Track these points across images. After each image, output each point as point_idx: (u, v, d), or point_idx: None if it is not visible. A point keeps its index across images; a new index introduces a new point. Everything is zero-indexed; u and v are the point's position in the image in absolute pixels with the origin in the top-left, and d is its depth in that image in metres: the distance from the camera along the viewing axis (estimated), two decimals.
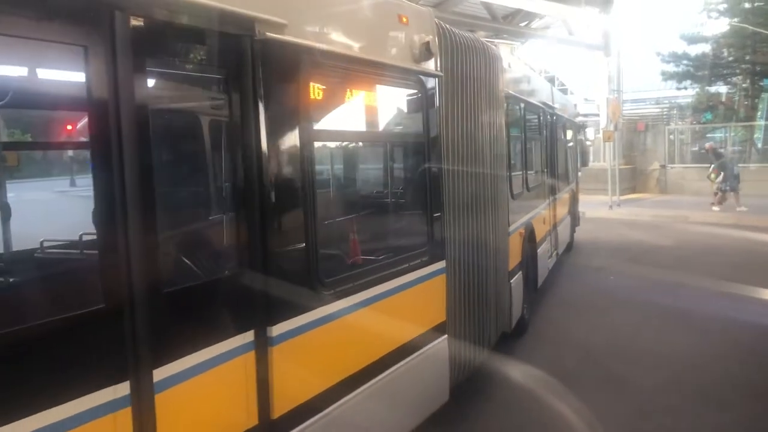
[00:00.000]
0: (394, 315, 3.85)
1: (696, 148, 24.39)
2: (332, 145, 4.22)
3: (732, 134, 23.77)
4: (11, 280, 2.91)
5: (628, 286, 9.51)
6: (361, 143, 4.59)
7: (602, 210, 18.80)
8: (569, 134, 12.16)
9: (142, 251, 2.20)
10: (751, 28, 23.15)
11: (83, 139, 3.07)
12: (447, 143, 4.70)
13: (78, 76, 2.25)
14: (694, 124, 26.21)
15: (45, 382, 1.92)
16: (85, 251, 2.86)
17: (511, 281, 6.34)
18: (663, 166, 23.21)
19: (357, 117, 3.96)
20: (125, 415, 2.14)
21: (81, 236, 3.47)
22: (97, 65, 2.07)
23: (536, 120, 8.91)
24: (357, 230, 4.05)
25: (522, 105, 7.58)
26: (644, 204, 19.83)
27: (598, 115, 26.01)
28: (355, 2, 3.65)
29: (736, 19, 24.69)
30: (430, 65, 4.28)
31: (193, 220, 3.03)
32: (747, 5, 25.32)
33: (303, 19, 3.06)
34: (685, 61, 27.15)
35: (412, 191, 4.67)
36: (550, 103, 9.93)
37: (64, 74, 2.83)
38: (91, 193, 2.12)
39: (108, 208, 2.14)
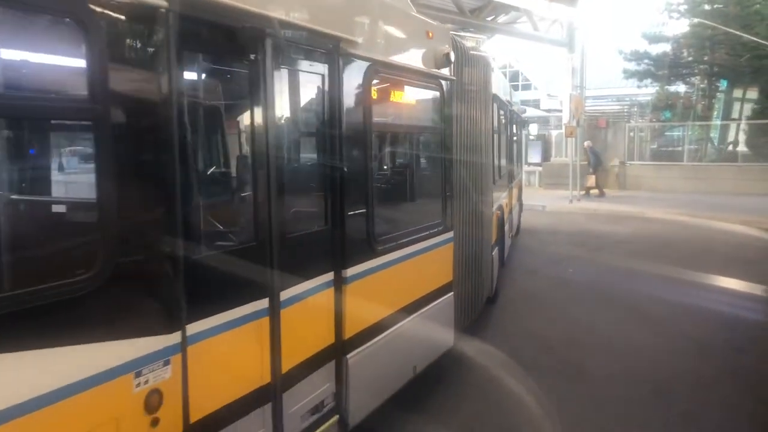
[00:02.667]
0: (419, 271, 5.10)
1: (655, 146, 24.93)
2: (380, 133, 5.20)
3: (689, 132, 24.33)
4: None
5: (585, 274, 10.08)
6: (399, 132, 5.67)
7: (563, 203, 19.15)
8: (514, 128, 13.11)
9: (280, 208, 3.32)
10: (710, 30, 23.75)
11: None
12: (456, 135, 5.91)
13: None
14: (654, 122, 26.78)
15: (235, 290, 3.10)
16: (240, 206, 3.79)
17: (493, 253, 7.62)
18: (623, 163, 23.74)
19: (398, 112, 5.11)
20: (265, 322, 3.26)
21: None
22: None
23: (503, 116, 10.10)
24: (394, 204, 5.13)
25: (497, 103, 8.75)
26: (604, 199, 20.28)
27: (560, 110, 26.31)
28: (398, 23, 4.85)
29: (695, 20, 25.22)
30: (447, 71, 5.52)
31: (305, 191, 4.04)
32: (707, 7, 25.96)
33: (368, 37, 4.23)
34: (646, 60, 27.96)
35: (431, 174, 5.80)
36: (510, 100, 11.30)
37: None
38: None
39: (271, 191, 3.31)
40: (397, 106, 5.04)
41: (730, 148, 25.32)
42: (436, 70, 5.31)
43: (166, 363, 2.63)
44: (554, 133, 27.08)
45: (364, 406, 4.21)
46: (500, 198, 8.82)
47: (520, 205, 14.55)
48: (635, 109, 30.22)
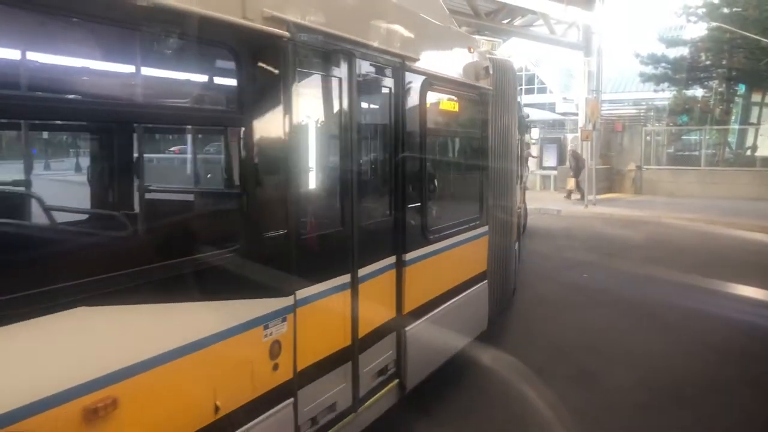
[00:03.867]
0: (461, 259, 5.87)
1: (672, 150, 24.76)
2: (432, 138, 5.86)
3: (707, 137, 24.13)
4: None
5: (600, 280, 10.13)
6: (447, 137, 6.34)
7: (578, 208, 19.09)
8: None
9: (359, 202, 4.09)
10: (728, 33, 23.56)
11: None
12: (491, 140, 6.64)
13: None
14: (671, 126, 26.56)
15: (328, 266, 3.86)
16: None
17: (515, 249, 8.21)
18: (639, 167, 23.78)
19: (446, 118, 5.83)
20: (347, 294, 4.03)
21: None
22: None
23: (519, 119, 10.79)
24: (441, 200, 5.65)
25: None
26: (619, 203, 20.33)
27: (576, 114, 26.19)
28: (446, 41, 5.71)
29: (714, 24, 25.01)
30: (486, 83, 6.29)
31: (376, 188, 4.75)
32: (725, 10, 25.67)
33: (424, 54, 4.93)
34: (663, 64, 27.75)
35: (470, 174, 6.48)
36: (520, 103, 11.85)
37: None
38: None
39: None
40: (446, 114, 5.79)
41: (749, 152, 25.08)
42: (477, 82, 6.11)
43: (284, 320, 3.37)
44: (570, 136, 26.92)
45: (418, 374, 4.98)
46: (518, 199, 9.50)
47: (525, 207, 15.00)
48: (652, 113, 29.99)
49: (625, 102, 38.75)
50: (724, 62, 27.19)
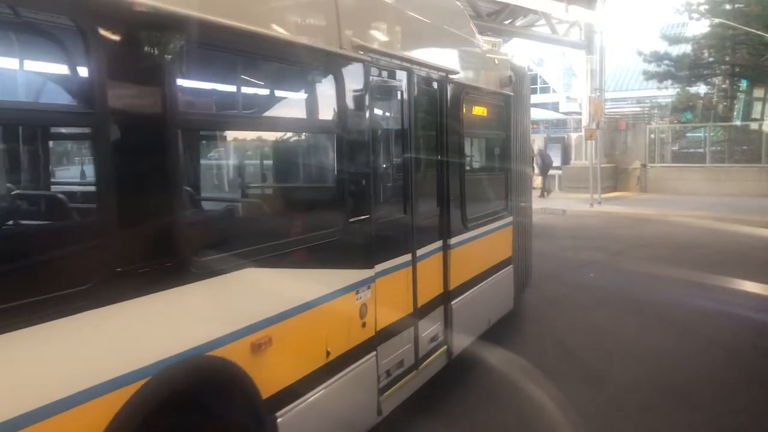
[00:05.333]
0: (492, 245, 6.79)
1: (676, 148, 24.71)
2: (469, 140, 6.65)
3: (711, 134, 24.00)
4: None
5: (607, 279, 10.23)
6: (480, 138, 7.12)
7: (584, 207, 19.01)
8: None
9: (416, 194, 5.03)
10: (731, 30, 23.48)
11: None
12: (513, 140, 7.54)
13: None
14: (675, 123, 26.46)
15: (396, 246, 4.75)
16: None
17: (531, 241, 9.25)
18: (644, 165, 23.76)
19: (480, 122, 6.75)
20: (409, 270, 4.91)
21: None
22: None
23: None
24: (475, 193, 6.38)
25: None
26: (625, 202, 20.33)
27: (580, 113, 26.09)
28: (477, 55, 6.69)
29: (716, 21, 24.92)
30: (509, 89, 7.25)
31: (427, 182, 5.54)
32: (728, 6, 25.61)
33: (461, 68, 5.93)
34: (666, 61, 27.77)
35: (497, 170, 7.34)
36: None
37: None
38: None
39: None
40: (479, 118, 6.70)
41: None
42: (501, 89, 7.12)
43: (368, 287, 4.26)
44: (574, 136, 26.88)
45: (461, 342, 5.88)
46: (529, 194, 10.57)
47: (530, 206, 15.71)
48: (655, 111, 29.86)
49: (628, 100, 38.68)
50: (727, 59, 27.18)
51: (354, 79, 4.12)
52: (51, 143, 3.57)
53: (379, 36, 4.53)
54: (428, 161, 5.52)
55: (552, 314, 8.30)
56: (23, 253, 2.57)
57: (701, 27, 28.82)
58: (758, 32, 22.64)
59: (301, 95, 4.27)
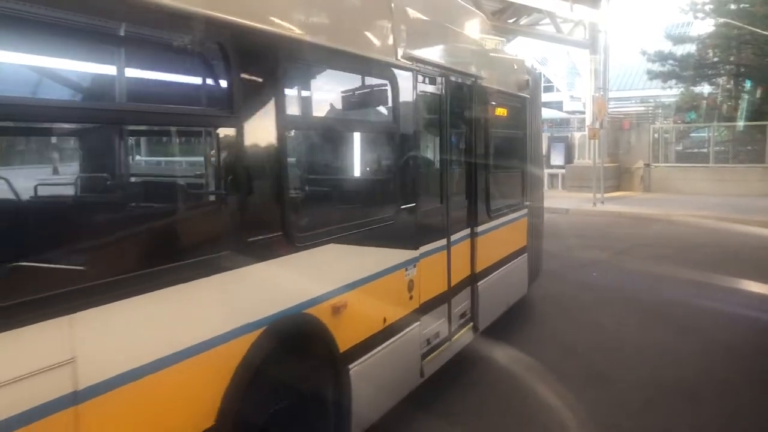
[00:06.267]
0: (510, 234, 7.56)
1: (680, 148, 24.70)
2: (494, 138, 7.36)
3: (715, 134, 23.93)
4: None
5: (610, 278, 10.34)
6: (503, 137, 7.64)
7: (587, 206, 19.02)
8: None
9: (450, 186, 5.85)
10: (735, 29, 23.44)
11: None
12: (528, 139, 8.34)
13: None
14: (679, 123, 26.39)
15: (434, 231, 5.51)
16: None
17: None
18: (647, 165, 23.82)
19: (502, 121, 7.40)
20: (444, 253, 5.65)
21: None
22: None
23: None
24: (497, 187, 7.00)
25: None
26: (628, 202, 20.41)
27: (584, 112, 26.04)
28: (499, 60, 7.48)
29: (721, 20, 24.83)
30: (526, 92, 8.09)
31: (458, 177, 6.25)
32: (732, 6, 25.60)
33: (487, 73, 6.65)
34: (670, 61, 27.71)
35: (516, 167, 8.04)
36: None
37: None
38: None
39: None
40: (501, 118, 7.35)
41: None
42: (520, 92, 7.91)
43: (414, 266, 5.01)
44: (577, 135, 26.84)
45: (485, 320, 6.63)
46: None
47: None
48: (660, 111, 29.79)
49: (632, 99, 38.59)
50: (731, 59, 27.18)
51: (405, 85, 4.87)
52: (199, 140, 4.18)
53: (423, 47, 5.32)
54: (459, 157, 6.34)
55: (555, 313, 8.43)
56: (184, 229, 3.27)
57: (706, 27, 28.78)
58: (763, 32, 22.70)
59: (368, 100, 4.92)
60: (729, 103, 27.66)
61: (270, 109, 3.37)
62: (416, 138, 5.09)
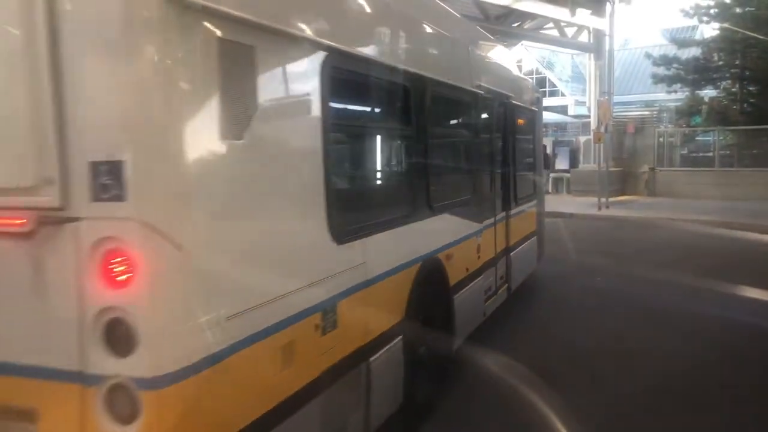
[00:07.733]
0: (527, 218, 9.24)
1: (685, 152, 24.54)
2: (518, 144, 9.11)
3: (719, 138, 23.82)
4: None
5: (614, 284, 10.14)
6: (523, 143, 9.34)
7: (591, 210, 18.95)
8: None
9: (496, 178, 7.64)
10: (741, 32, 23.32)
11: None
12: (536, 143, 10.38)
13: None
14: (684, 127, 26.27)
15: (484, 212, 7.05)
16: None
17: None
18: (652, 169, 23.69)
19: (522, 130, 9.13)
20: (491, 229, 7.23)
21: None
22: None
23: None
24: (519, 180, 8.63)
25: None
26: (633, 206, 20.32)
27: (588, 116, 25.96)
28: (520, 82, 9.54)
29: (726, 24, 24.74)
30: (536, 106, 10.12)
31: (495, 174, 7.62)
32: (738, 10, 25.44)
33: (514, 93, 8.39)
34: (675, 65, 27.50)
35: (529, 164, 9.90)
36: None
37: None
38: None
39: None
40: (522, 128, 9.10)
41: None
42: (532, 107, 9.78)
43: (479, 236, 6.58)
44: (582, 139, 26.77)
45: (515, 282, 8.34)
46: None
47: None
48: (665, 115, 29.69)
49: (637, 104, 38.51)
50: (737, 62, 27.10)
51: (474, 104, 6.70)
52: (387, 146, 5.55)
53: (484, 77, 7.03)
54: (498, 156, 7.98)
55: (558, 317, 8.41)
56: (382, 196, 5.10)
57: (711, 30, 28.69)
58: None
59: (453, 117, 6.90)
60: (734, 107, 27.59)
61: (412, 127, 5.03)
62: (484, 146, 7.11)
